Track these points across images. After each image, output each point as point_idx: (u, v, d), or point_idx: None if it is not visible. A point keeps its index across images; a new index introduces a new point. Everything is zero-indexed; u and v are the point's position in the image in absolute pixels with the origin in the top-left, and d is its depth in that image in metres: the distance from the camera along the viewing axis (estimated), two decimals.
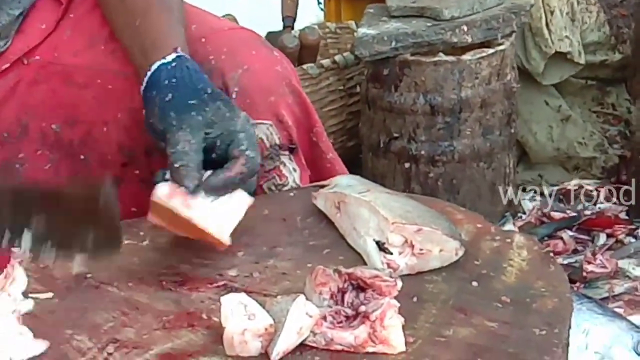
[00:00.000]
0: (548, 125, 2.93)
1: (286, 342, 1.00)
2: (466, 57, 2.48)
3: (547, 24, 2.80)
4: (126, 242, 1.26)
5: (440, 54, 2.49)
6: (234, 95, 1.39)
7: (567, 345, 1.09)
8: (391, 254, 1.17)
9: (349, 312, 1.04)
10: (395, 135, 2.54)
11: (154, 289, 1.16)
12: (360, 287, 1.05)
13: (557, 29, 2.81)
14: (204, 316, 1.10)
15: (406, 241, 1.17)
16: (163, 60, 1.29)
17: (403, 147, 2.54)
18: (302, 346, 1.02)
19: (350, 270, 1.06)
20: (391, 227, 1.16)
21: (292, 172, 1.46)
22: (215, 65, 1.41)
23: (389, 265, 1.16)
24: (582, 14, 2.91)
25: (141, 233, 1.29)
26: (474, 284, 1.16)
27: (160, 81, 1.28)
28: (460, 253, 1.19)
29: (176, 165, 1.17)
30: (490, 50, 2.51)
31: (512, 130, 2.63)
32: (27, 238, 1.09)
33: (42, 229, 1.09)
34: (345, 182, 1.36)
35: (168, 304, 1.12)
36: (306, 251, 1.25)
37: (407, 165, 2.55)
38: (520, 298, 1.13)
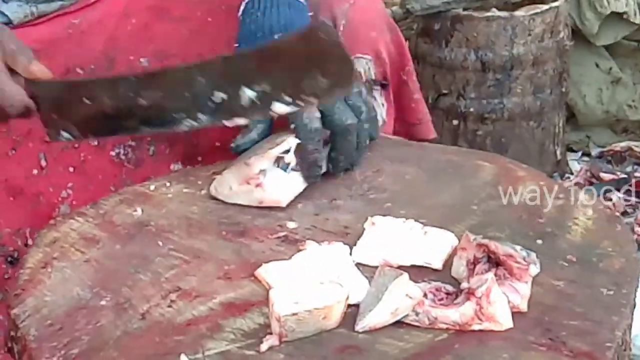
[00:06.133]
0: (598, 88, 2.87)
1: (376, 319, 0.96)
2: (519, 13, 2.44)
3: None
4: (184, 190, 1.26)
5: (493, 9, 2.46)
6: (341, 28, 1.43)
7: (634, 306, 1.07)
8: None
9: (450, 288, 1.00)
10: (444, 91, 2.51)
11: (214, 238, 1.15)
12: (496, 262, 1.01)
13: None
14: None
15: None
16: None
17: (452, 103, 2.51)
18: (399, 323, 0.97)
19: (485, 240, 1.02)
20: None
21: (380, 106, 1.49)
22: None
23: None
24: None
25: (199, 182, 1.28)
26: (539, 242, 1.14)
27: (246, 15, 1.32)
28: None
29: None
30: (544, 7, 2.47)
31: (563, 89, 2.59)
32: (246, 96, 1.13)
33: (268, 85, 1.12)
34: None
35: (229, 254, 1.11)
36: (367, 204, 1.23)
37: (455, 122, 2.52)
38: (587, 257, 1.11)
